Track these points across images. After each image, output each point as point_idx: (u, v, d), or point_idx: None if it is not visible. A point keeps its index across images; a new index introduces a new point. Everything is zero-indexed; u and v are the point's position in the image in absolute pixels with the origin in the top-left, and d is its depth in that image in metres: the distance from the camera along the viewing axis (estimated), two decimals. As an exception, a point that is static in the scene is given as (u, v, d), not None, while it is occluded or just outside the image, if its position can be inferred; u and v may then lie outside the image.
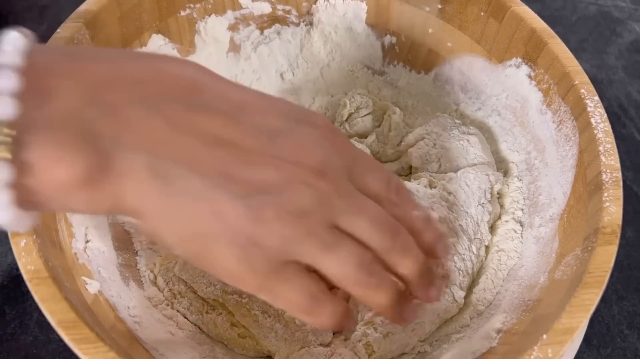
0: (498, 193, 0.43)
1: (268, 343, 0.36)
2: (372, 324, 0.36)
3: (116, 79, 0.24)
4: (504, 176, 0.44)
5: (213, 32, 0.46)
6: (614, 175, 0.34)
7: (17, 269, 0.29)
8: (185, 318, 0.37)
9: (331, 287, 0.30)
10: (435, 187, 0.40)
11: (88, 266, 0.33)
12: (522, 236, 0.41)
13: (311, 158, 0.27)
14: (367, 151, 0.45)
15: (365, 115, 0.47)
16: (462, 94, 0.48)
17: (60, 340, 0.27)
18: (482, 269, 0.40)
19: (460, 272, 0.38)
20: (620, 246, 0.31)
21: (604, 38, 0.65)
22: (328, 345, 0.36)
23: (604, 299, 0.37)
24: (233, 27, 0.47)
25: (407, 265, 0.30)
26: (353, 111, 0.47)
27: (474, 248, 0.39)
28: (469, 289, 0.39)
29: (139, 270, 0.39)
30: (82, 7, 0.38)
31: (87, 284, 0.32)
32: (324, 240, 0.27)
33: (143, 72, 0.25)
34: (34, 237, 0.28)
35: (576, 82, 0.38)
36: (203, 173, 0.25)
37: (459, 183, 0.40)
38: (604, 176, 0.33)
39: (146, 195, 0.24)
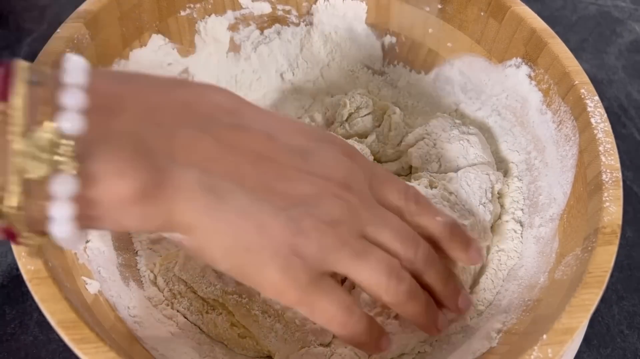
0: (498, 193, 0.43)
1: (268, 343, 0.36)
2: None
3: (166, 103, 0.26)
4: (504, 176, 0.43)
5: (213, 32, 0.46)
6: (614, 175, 0.34)
7: (17, 269, 0.29)
8: (185, 318, 0.37)
9: None
10: (435, 187, 0.40)
11: (88, 266, 0.33)
12: (522, 236, 0.41)
13: (338, 173, 0.30)
14: (367, 151, 0.45)
15: (365, 115, 0.47)
16: (462, 94, 0.48)
17: (60, 340, 0.27)
18: (482, 269, 0.40)
19: (464, 271, 0.38)
20: (620, 246, 0.31)
21: (604, 38, 0.65)
22: (328, 345, 0.36)
23: (604, 300, 0.37)
24: (233, 27, 0.47)
25: (430, 274, 0.32)
26: (353, 111, 0.47)
27: None
28: (470, 289, 0.39)
29: (139, 270, 0.39)
30: (82, 7, 0.38)
31: (87, 284, 0.32)
32: (355, 249, 0.29)
33: (189, 97, 0.27)
34: (34, 237, 0.28)
35: (576, 82, 0.38)
36: (248, 188, 0.27)
37: (460, 183, 0.40)
38: (604, 176, 0.33)
39: (198, 209, 0.25)
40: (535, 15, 0.41)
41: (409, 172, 0.46)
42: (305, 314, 0.29)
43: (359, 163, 0.31)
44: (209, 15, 0.46)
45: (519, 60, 0.42)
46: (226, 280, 0.37)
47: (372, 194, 0.31)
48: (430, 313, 0.32)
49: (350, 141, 0.44)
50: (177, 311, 0.37)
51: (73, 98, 0.22)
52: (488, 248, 0.41)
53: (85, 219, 0.23)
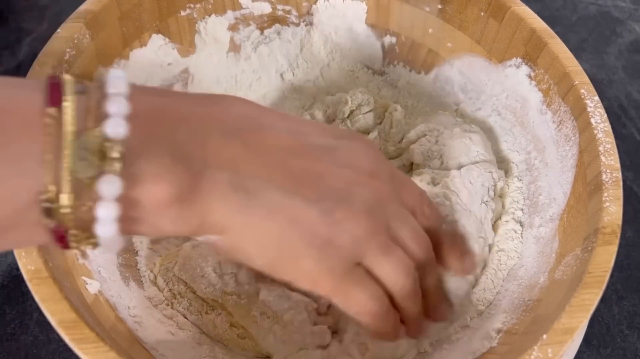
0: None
1: (267, 344, 0.36)
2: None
3: (197, 113, 0.27)
4: (504, 176, 0.43)
5: (213, 32, 0.46)
6: (614, 175, 0.34)
7: (17, 269, 0.29)
8: (185, 318, 0.37)
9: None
10: (438, 184, 0.40)
11: (88, 266, 0.33)
12: (522, 236, 0.41)
13: (365, 163, 0.31)
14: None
15: (366, 112, 0.47)
16: (462, 94, 0.48)
17: (61, 340, 0.27)
18: (483, 269, 0.40)
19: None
20: (620, 246, 0.31)
21: (604, 38, 0.65)
22: (326, 347, 0.36)
23: (604, 300, 0.37)
24: (233, 27, 0.47)
25: (429, 279, 0.33)
26: (354, 108, 0.47)
27: (477, 247, 0.39)
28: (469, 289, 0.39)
29: (139, 269, 0.39)
30: (82, 7, 0.38)
31: (87, 284, 0.32)
32: (383, 242, 0.30)
33: (217, 107, 0.28)
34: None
35: (576, 82, 0.38)
36: (279, 184, 0.28)
37: (462, 180, 0.40)
38: (604, 176, 0.33)
39: (229, 208, 0.26)
40: (535, 15, 0.41)
41: (410, 169, 0.46)
42: (338, 304, 0.30)
43: (380, 157, 0.33)
44: (209, 15, 0.46)
45: (519, 60, 0.42)
46: (225, 280, 0.37)
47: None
48: (422, 316, 0.34)
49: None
50: (177, 311, 0.37)
51: (117, 106, 0.23)
52: (490, 247, 0.41)
53: (127, 221, 0.24)
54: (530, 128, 0.43)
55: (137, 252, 0.40)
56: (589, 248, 0.31)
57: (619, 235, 0.31)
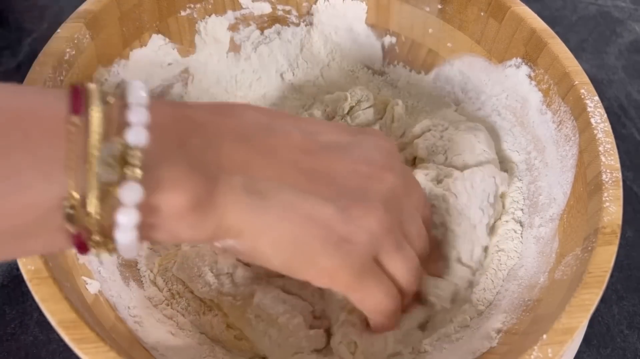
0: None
1: (262, 347, 0.36)
2: (351, 322, 0.35)
3: (208, 122, 0.27)
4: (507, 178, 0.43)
5: (213, 32, 0.46)
6: (614, 175, 0.34)
7: (17, 269, 0.29)
8: (185, 318, 0.37)
9: None
10: (441, 182, 0.40)
11: (88, 266, 0.33)
12: (522, 237, 0.41)
13: (379, 157, 0.31)
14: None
15: (366, 108, 0.47)
16: (462, 94, 0.48)
17: (61, 340, 0.27)
18: (482, 269, 0.40)
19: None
20: (620, 246, 0.31)
21: (604, 38, 0.65)
22: (321, 351, 0.36)
23: (604, 300, 0.37)
24: (233, 27, 0.47)
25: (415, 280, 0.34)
26: (354, 104, 0.47)
27: (464, 250, 0.39)
28: (470, 289, 0.39)
29: (139, 269, 0.39)
30: (82, 7, 0.38)
31: (87, 284, 0.32)
32: (396, 239, 0.31)
33: (229, 115, 0.29)
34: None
35: (576, 82, 0.38)
36: (292, 184, 0.28)
37: (464, 183, 0.40)
38: (604, 176, 0.33)
39: (244, 210, 0.27)
40: (535, 16, 0.41)
41: (412, 163, 0.46)
42: (354, 301, 0.31)
43: (394, 152, 0.33)
44: (209, 15, 0.46)
45: (519, 60, 0.42)
46: (222, 280, 0.37)
47: None
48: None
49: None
50: (177, 311, 0.37)
51: (138, 115, 0.24)
52: (486, 249, 0.41)
53: (146, 228, 0.25)
54: (530, 128, 0.43)
55: (137, 252, 0.40)
56: (589, 248, 0.31)
57: (619, 235, 0.31)
